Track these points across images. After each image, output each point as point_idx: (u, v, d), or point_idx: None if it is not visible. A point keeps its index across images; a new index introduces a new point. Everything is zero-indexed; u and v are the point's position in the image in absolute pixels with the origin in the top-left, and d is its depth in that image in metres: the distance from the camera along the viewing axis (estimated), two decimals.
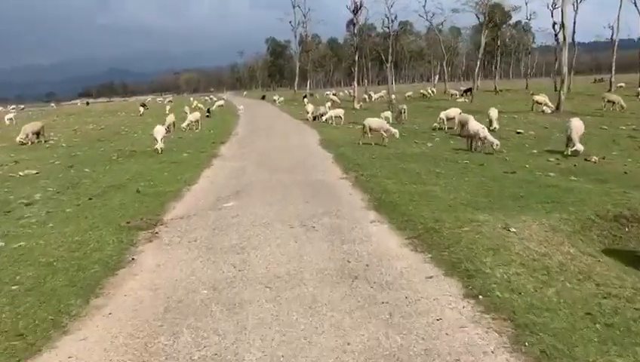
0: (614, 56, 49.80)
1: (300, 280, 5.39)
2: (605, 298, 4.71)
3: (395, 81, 77.49)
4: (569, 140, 14.46)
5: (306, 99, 48.72)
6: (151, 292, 5.37)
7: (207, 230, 7.52)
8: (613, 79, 48.51)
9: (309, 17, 67.10)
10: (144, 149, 17.95)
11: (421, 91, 57.10)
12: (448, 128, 21.79)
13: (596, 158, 13.25)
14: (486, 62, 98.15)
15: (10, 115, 41.67)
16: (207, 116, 36.77)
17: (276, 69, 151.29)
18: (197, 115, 28.46)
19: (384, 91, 55.48)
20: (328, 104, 34.69)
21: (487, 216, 7.54)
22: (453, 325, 4.29)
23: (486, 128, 15.76)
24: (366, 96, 51.33)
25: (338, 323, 4.40)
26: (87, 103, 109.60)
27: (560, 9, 32.93)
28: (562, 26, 30.84)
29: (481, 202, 8.58)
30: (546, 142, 17.54)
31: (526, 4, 63.04)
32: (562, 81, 30.61)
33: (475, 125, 15.35)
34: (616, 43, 50.12)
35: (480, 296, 4.80)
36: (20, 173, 13.60)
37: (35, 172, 13.87)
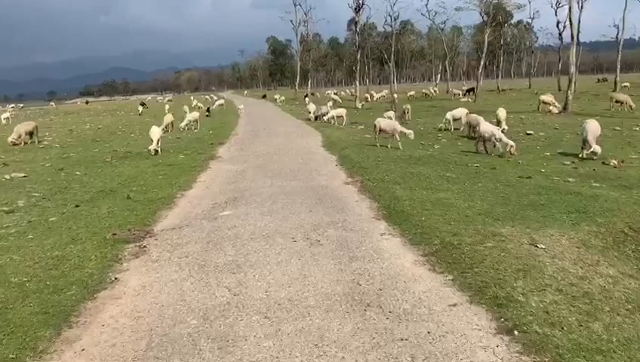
0: (619, 56, 49.03)
1: (303, 309, 4.68)
2: None
3: (396, 80, 76.65)
4: (585, 142, 13.74)
5: (307, 99, 48.06)
6: (132, 322, 4.67)
7: (200, 244, 6.81)
8: (618, 78, 47.74)
9: (310, 16, 66.49)
10: (140, 151, 17.25)
11: (423, 91, 56.48)
12: (454, 129, 21.10)
13: (615, 162, 12.51)
14: (487, 62, 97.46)
15: (6, 114, 40.92)
16: (207, 115, 36.09)
17: (277, 68, 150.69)
18: (196, 114, 27.75)
19: (386, 91, 54.86)
20: (330, 103, 34.00)
21: (509, 228, 6.83)
22: None
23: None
24: (368, 96, 50.65)
25: None
26: (87, 102, 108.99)
27: (567, 7, 32.14)
28: (571, 23, 30.12)
29: (499, 212, 7.87)
30: (558, 144, 16.83)
31: (529, 2, 62.22)
32: (570, 81, 29.82)
33: (488, 127, 14.60)
34: (621, 42, 49.30)
35: (515, 332, 4.09)
36: (7, 177, 12.88)
37: (22, 175, 13.15)
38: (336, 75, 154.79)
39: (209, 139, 20.85)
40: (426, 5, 69.24)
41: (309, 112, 29.57)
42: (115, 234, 7.30)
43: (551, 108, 29.30)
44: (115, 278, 5.76)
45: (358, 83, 48.01)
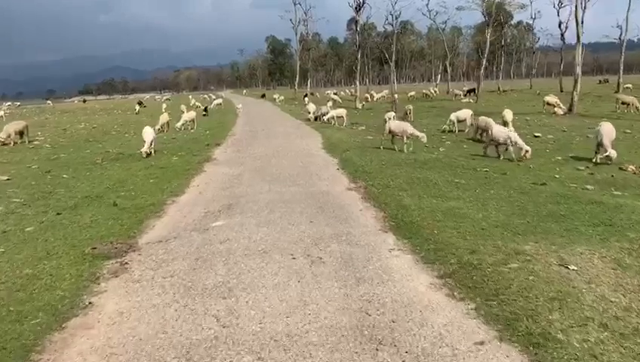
0: (622, 57, 48.41)
1: (304, 347, 3.98)
2: None
3: (396, 80, 75.97)
4: (599, 146, 13.08)
5: (306, 99, 47.34)
6: (103, 361, 3.97)
7: (187, 260, 6.10)
8: (620, 80, 47.11)
9: (310, 15, 65.77)
10: (132, 152, 16.53)
11: (424, 91, 55.84)
12: (459, 131, 20.42)
13: (633, 168, 11.84)
14: (487, 63, 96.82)
15: (0, 113, 40.16)
16: (205, 115, 35.38)
17: (276, 68, 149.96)
18: (192, 114, 27.03)
19: (386, 91, 54.22)
20: (329, 103, 33.31)
21: (533, 244, 6.14)
22: None
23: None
24: (368, 96, 49.97)
25: None
26: (84, 101, 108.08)
27: (572, 6, 31.50)
28: (577, 22, 29.43)
29: (518, 224, 7.17)
30: (568, 147, 16.18)
31: (530, 2, 61.51)
32: (576, 82, 29.13)
33: (502, 131, 13.86)
34: (624, 44, 48.60)
35: None
36: None
37: (5, 178, 12.44)
38: (335, 75, 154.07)
39: (205, 139, 20.14)
40: (427, 5, 68.71)
41: (309, 112, 28.88)
42: (94, 248, 6.59)
43: (556, 109, 28.65)
44: (90, 302, 5.05)
45: (358, 83, 47.32)
